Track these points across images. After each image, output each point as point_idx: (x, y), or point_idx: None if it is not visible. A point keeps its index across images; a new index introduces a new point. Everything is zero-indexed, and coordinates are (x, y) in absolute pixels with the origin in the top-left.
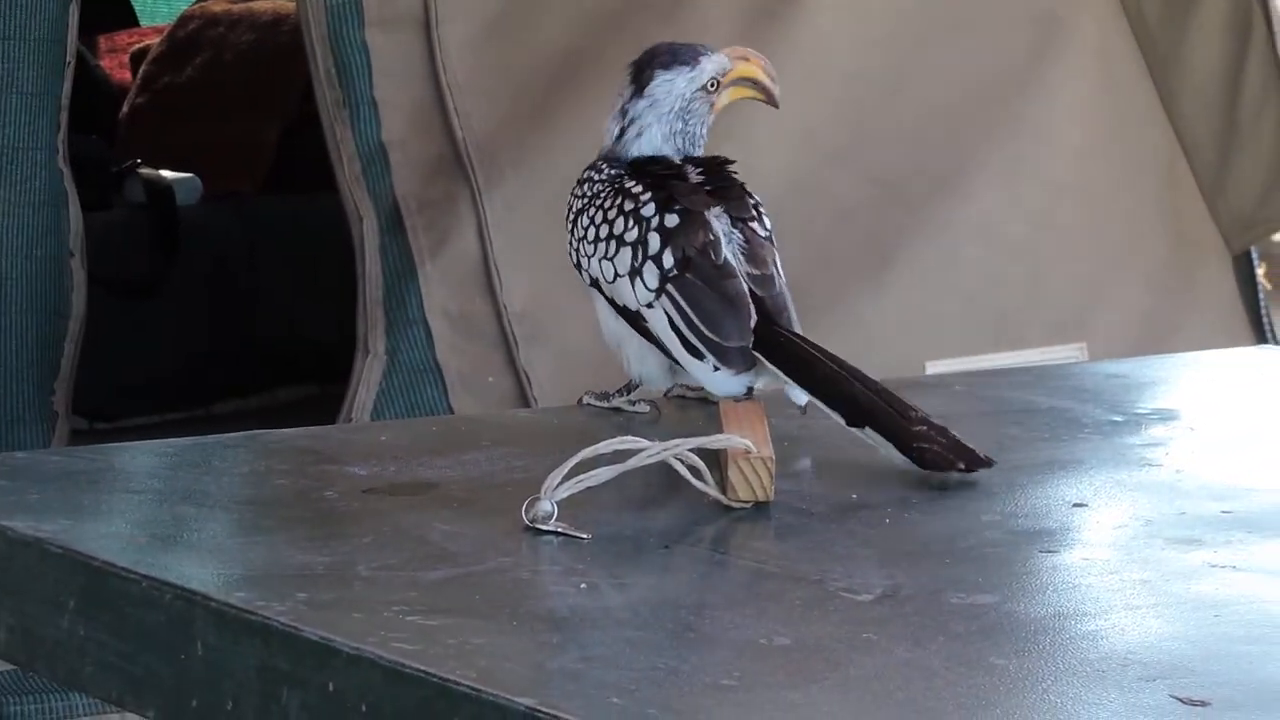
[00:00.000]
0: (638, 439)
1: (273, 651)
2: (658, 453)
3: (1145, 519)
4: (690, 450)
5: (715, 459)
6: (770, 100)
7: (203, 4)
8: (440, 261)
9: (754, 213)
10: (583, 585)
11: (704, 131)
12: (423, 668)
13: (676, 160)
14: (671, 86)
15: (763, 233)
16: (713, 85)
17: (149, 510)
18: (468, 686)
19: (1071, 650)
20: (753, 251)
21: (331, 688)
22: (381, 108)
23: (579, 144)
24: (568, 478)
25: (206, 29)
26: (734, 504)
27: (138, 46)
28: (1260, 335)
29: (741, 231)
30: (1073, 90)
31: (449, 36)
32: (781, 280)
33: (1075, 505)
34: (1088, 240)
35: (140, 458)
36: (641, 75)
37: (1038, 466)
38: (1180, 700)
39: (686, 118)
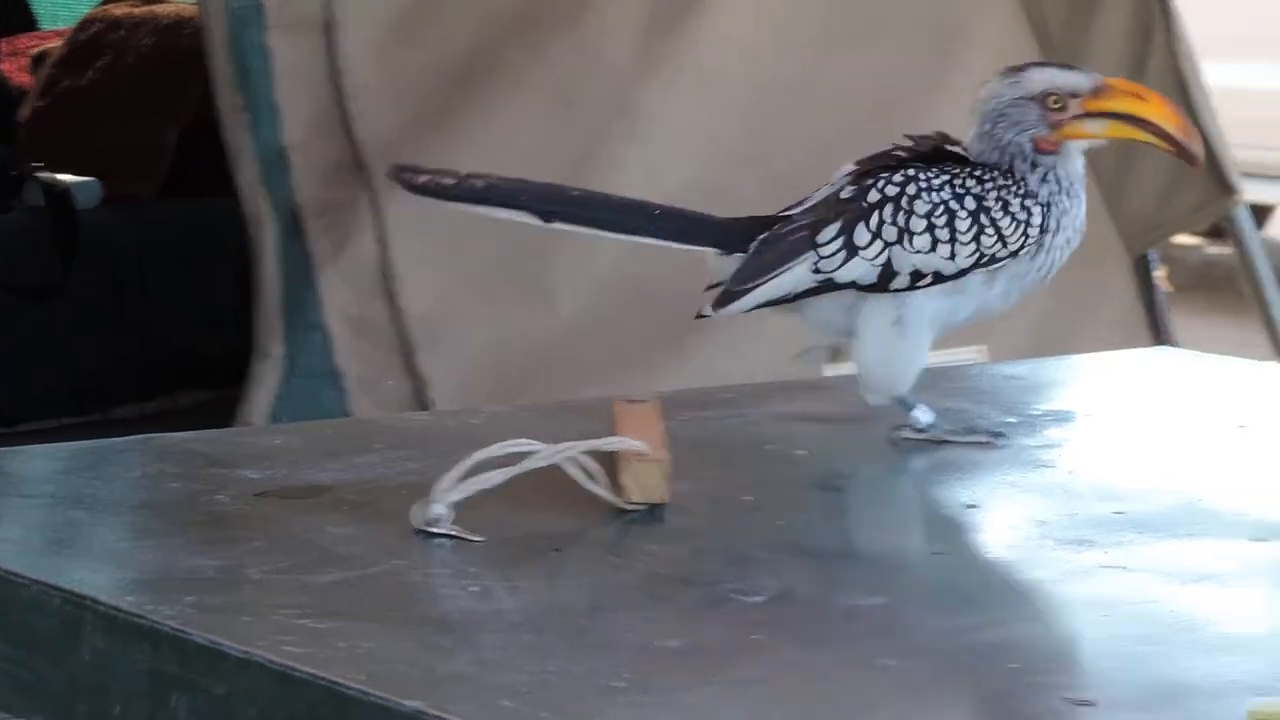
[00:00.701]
0: (531, 441)
1: (162, 656)
2: (551, 455)
3: (1037, 520)
4: (584, 453)
5: (610, 461)
6: (1183, 155)
7: (105, 7)
8: (339, 265)
9: (851, 185)
10: (475, 588)
11: (1021, 141)
12: (312, 671)
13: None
14: (990, 90)
15: (823, 193)
16: (1056, 103)
17: (40, 515)
18: (357, 690)
19: (961, 651)
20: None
21: (221, 692)
22: (282, 111)
23: (479, 147)
24: (461, 480)
25: (108, 32)
26: (628, 506)
27: (38, 50)
28: (1158, 338)
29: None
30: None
31: (350, 40)
32: (794, 227)
33: (968, 506)
34: None
35: (33, 462)
36: None
37: (931, 468)
38: (1068, 700)
39: (998, 121)
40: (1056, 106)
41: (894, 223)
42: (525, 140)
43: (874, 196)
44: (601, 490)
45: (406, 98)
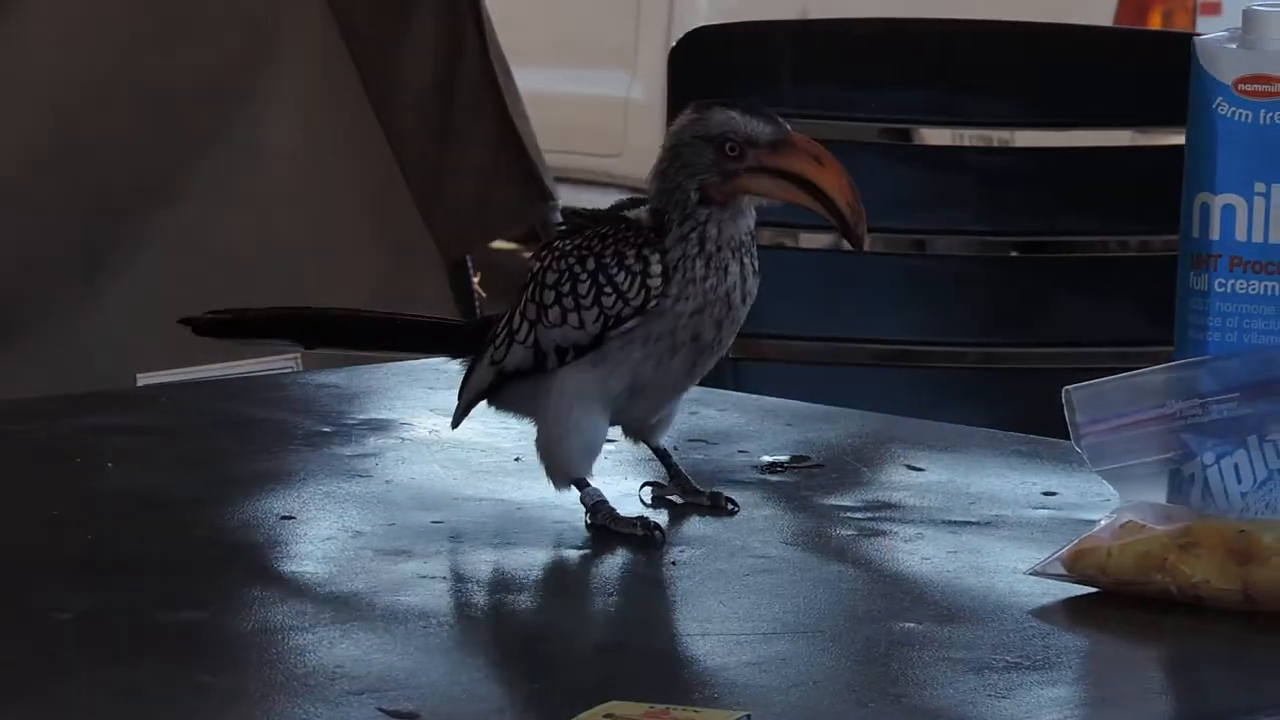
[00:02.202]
0: None
1: None
2: None
3: (355, 530)
4: None
5: None
6: (848, 235)
7: None
8: None
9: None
10: None
11: (689, 186)
12: None
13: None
14: (677, 124)
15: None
16: (733, 149)
17: None
18: None
19: (280, 665)
20: None
21: None
22: None
23: None
24: None
25: None
26: None
27: None
28: None
29: None
30: (288, 100)
31: None
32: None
33: (284, 518)
34: (303, 250)
35: None
36: None
37: (248, 479)
38: (387, 712)
39: (674, 160)
40: (733, 154)
41: (534, 299)
42: None
43: (528, 276)
44: None
45: None
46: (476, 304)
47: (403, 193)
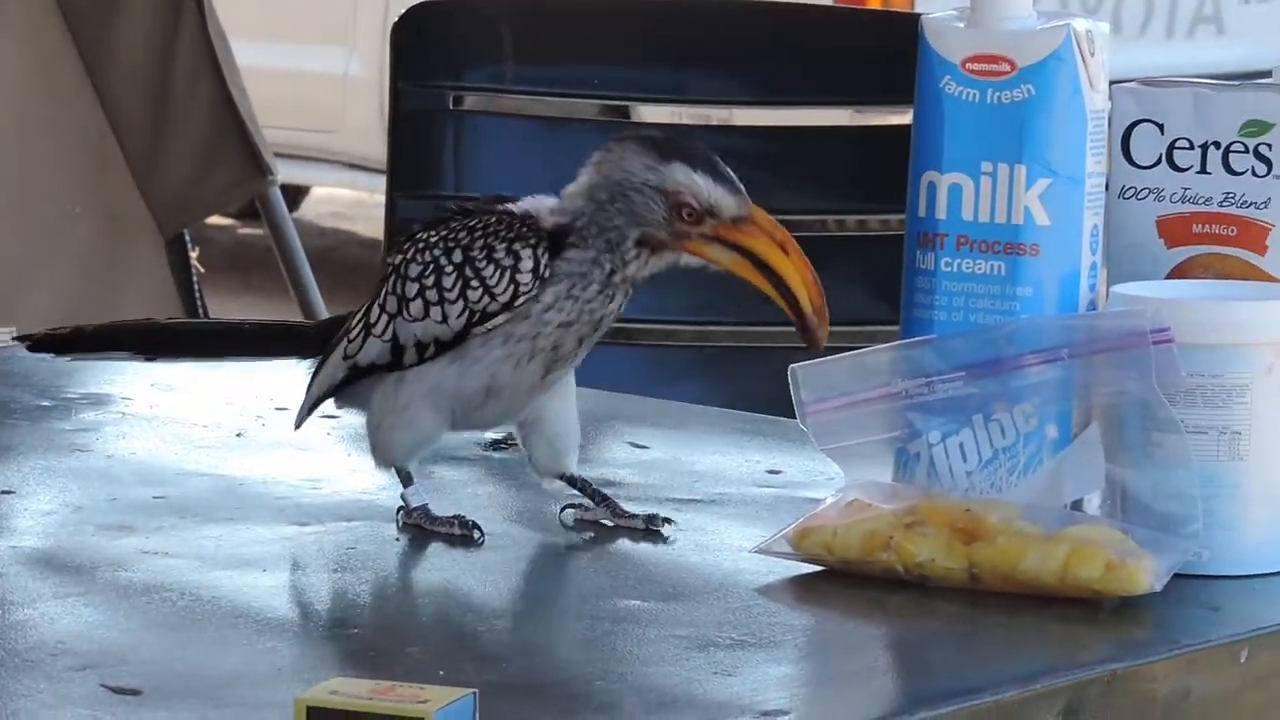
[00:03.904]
0: None
1: None
2: None
3: (75, 505)
4: None
5: None
6: (805, 332)
7: None
8: None
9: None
10: None
11: (630, 232)
12: None
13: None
14: (623, 156)
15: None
16: (690, 214)
17: None
18: None
19: (0, 640)
20: None
21: None
22: None
23: None
24: None
25: None
26: None
27: None
28: (194, 318)
29: None
30: (0, 69)
31: None
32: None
33: (3, 492)
34: (15, 222)
35: None
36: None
37: None
38: (110, 689)
39: (616, 198)
40: (689, 219)
41: (394, 292)
42: None
43: (389, 268)
44: None
45: None
46: (195, 279)
47: (119, 165)
